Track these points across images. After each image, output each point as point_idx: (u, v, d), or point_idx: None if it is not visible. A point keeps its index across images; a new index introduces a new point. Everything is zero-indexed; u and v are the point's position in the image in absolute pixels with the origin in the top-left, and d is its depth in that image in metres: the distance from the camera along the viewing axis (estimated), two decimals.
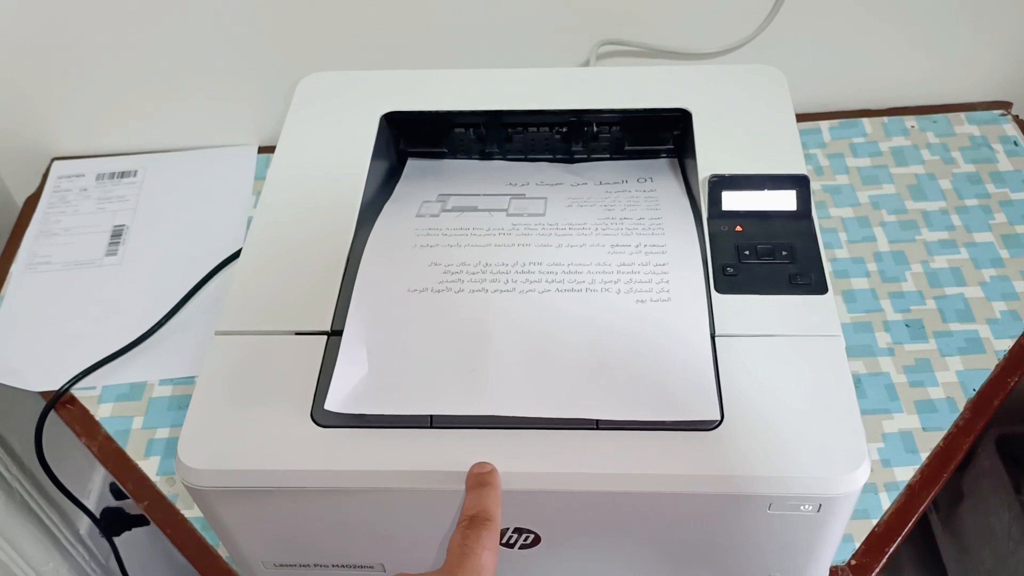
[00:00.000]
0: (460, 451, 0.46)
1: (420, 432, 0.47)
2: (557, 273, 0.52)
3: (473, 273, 0.52)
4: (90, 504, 0.98)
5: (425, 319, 0.50)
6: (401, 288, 0.52)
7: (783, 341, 0.49)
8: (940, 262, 0.74)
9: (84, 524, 0.96)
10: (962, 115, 0.85)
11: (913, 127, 0.85)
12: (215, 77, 0.83)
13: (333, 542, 0.51)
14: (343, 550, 0.52)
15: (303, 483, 0.46)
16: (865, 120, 0.85)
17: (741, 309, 0.51)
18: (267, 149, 0.88)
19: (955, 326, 0.70)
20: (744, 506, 0.46)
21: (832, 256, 0.75)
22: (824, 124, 0.85)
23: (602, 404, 0.47)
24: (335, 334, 0.51)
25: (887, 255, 0.75)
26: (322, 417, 0.47)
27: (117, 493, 0.98)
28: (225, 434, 0.47)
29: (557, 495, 0.46)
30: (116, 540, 0.84)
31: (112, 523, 0.92)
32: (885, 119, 0.85)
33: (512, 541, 0.50)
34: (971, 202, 0.78)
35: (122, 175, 0.86)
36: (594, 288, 0.51)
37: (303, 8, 0.78)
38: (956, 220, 0.77)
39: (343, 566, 0.53)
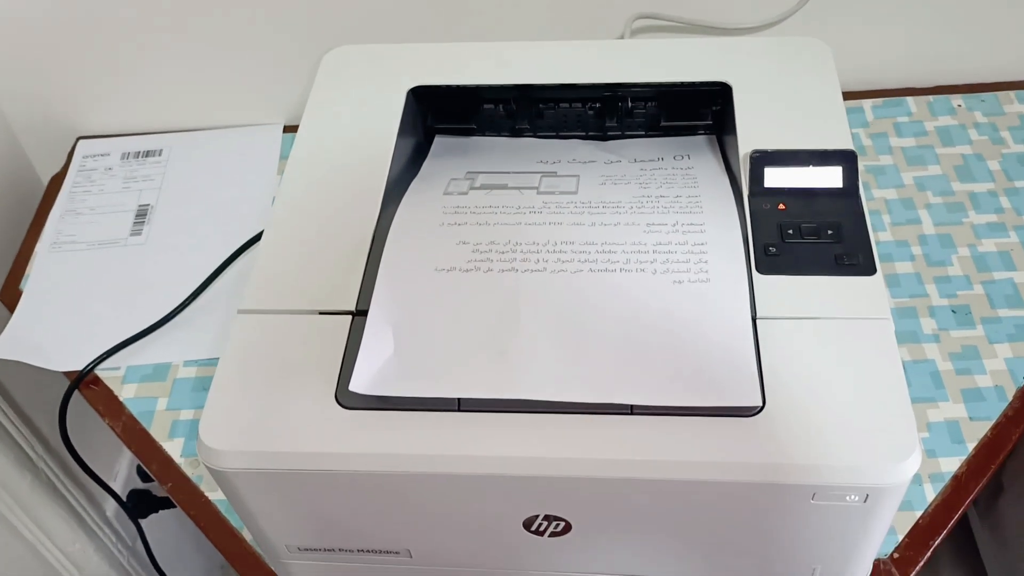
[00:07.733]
0: (489, 435, 0.44)
1: (447, 415, 0.45)
2: (590, 252, 0.50)
3: (503, 252, 0.51)
4: (117, 485, 0.98)
5: (453, 299, 0.49)
6: (428, 267, 0.50)
7: (829, 324, 0.47)
8: (988, 245, 0.71)
9: (111, 505, 0.96)
10: (1011, 93, 0.82)
11: (960, 106, 0.81)
12: (241, 55, 0.82)
13: (357, 526, 0.50)
14: (368, 534, 0.51)
15: (327, 466, 0.45)
16: (909, 99, 0.82)
17: (784, 290, 0.49)
18: (292, 128, 0.86)
19: (1004, 312, 0.67)
20: (787, 496, 0.44)
21: (876, 239, 0.72)
22: (867, 103, 0.82)
23: (637, 388, 0.45)
24: (360, 314, 0.49)
25: (932, 238, 0.72)
26: (347, 399, 0.46)
27: (144, 475, 0.98)
28: (247, 415, 0.46)
29: (589, 482, 0.44)
30: (143, 522, 0.84)
31: (139, 505, 0.92)
32: (930, 98, 0.82)
33: (542, 529, 0.48)
34: (1021, 184, 0.75)
35: (147, 154, 0.85)
36: (629, 268, 0.49)
37: None
38: (1005, 202, 0.74)
39: (368, 551, 0.52)
